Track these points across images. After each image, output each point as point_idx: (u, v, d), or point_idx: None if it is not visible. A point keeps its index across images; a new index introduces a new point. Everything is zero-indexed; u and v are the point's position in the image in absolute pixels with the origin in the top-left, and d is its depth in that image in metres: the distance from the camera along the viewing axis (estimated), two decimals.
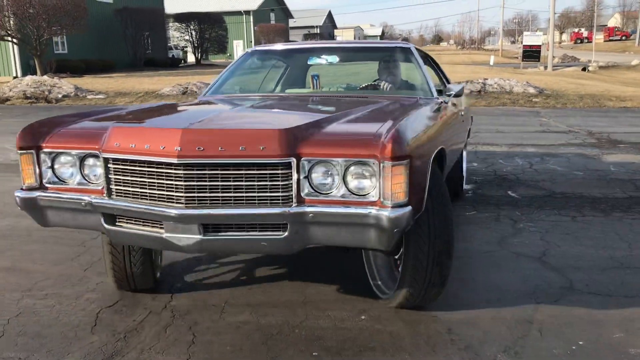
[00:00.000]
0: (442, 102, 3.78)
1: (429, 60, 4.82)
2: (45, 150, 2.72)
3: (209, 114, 3.12)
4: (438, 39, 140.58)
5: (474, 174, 6.43)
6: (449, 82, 4.96)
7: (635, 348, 2.65)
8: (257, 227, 2.50)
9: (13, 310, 3.07)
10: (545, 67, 29.13)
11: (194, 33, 41.66)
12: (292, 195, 2.43)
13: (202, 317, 3.00)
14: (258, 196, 2.45)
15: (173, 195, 2.46)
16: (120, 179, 2.59)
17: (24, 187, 2.76)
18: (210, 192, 2.45)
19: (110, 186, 2.61)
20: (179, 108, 3.61)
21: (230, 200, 2.46)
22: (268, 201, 2.44)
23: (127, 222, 2.65)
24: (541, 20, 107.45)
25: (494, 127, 10.30)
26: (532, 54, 29.22)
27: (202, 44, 42.27)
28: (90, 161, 2.68)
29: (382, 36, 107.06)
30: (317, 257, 3.84)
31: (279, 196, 2.43)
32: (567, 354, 2.61)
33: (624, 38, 76.40)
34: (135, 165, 2.54)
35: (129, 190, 2.58)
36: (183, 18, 41.47)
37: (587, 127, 10.18)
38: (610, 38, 77.54)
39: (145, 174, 2.52)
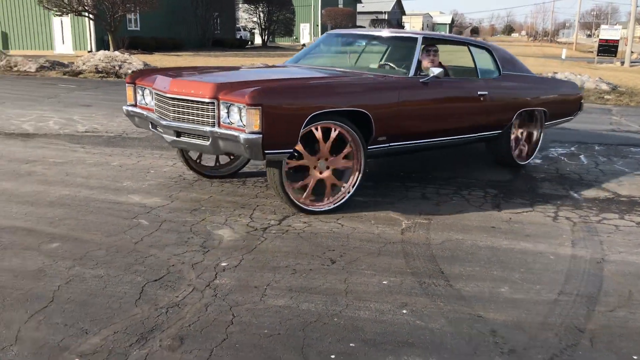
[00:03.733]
0: (407, 80, 4.92)
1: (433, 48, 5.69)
2: (137, 85, 4.87)
3: (213, 72, 5.04)
4: (509, 29, 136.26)
5: (535, 171, 6.18)
6: (478, 70, 5.89)
7: None
8: (199, 137, 4.18)
9: (64, 277, 3.17)
10: (622, 63, 27.72)
11: (262, 15, 42.00)
12: (214, 121, 4.04)
13: (243, 298, 3.01)
14: (200, 120, 4.14)
15: (167, 114, 4.36)
16: (155, 103, 4.61)
17: (127, 104, 5.00)
18: (180, 114, 4.25)
19: (153, 107, 4.66)
20: (210, 70, 5.28)
21: (188, 120, 4.21)
22: (204, 123, 4.11)
23: (153, 126, 4.70)
24: (622, 14, 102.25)
25: None
26: (608, 49, 27.86)
27: (270, 26, 42.57)
28: (149, 93, 4.75)
29: (452, 24, 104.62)
30: (362, 247, 3.79)
31: (209, 121, 4.08)
32: None
33: None
34: (159, 97, 4.49)
35: (157, 110, 4.57)
36: (252, 0, 41.84)
37: None
38: None
39: (161, 101, 4.45)
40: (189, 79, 4.30)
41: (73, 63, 17.91)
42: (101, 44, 27.28)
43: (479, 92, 5.49)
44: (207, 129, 4.06)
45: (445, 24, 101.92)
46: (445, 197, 5.07)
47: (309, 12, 53.77)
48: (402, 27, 66.72)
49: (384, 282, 3.26)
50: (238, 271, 3.35)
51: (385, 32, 5.87)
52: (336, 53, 6.34)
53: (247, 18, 43.83)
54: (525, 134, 6.30)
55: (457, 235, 4.11)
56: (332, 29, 44.43)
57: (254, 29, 45.90)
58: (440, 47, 5.78)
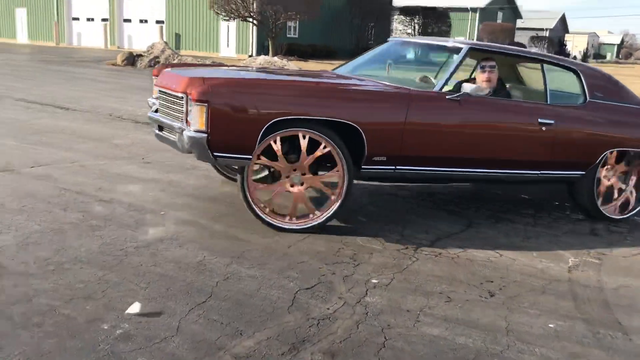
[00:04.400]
0: (424, 94, 4.22)
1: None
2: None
3: (209, 68, 5.18)
4: None
5: None
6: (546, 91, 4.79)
7: None
8: (172, 132, 3.93)
9: (221, 274, 3.26)
10: None
11: (417, 27, 41.75)
12: (184, 117, 3.73)
13: (395, 320, 2.88)
14: (174, 114, 3.90)
15: (157, 108, 4.24)
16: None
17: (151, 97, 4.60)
18: (163, 108, 4.10)
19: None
20: (214, 67, 5.48)
21: (168, 114, 4.02)
22: (177, 119, 3.85)
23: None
24: None
25: None
26: None
27: None
28: None
29: (621, 45, 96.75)
30: (524, 282, 3.49)
31: (180, 116, 3.80)
32: None
33: None
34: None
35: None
36: (408, 11, 41.77)
37: None
38: None
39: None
40: (174, 73, 4.03)
41: (235, 66, 19.00)
42: (261, 49, 28.72)
43: (540, 120, 4.45)
44: (177, 124, 3.80)
45: (613, 44, 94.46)
46: (618, 236, 4.56)
47: (465, 25, 52.53)
48: (564, 45, 62.82)
49: (550, 325, 2.95)
50: (389, 291, 3.22)
51: (438, 41, 5.18)
52: (397, 62, 5.42)
53: (401, 29, 43.82)
54: (622, 181, 4.99)
55: (635, 281, 3.65)
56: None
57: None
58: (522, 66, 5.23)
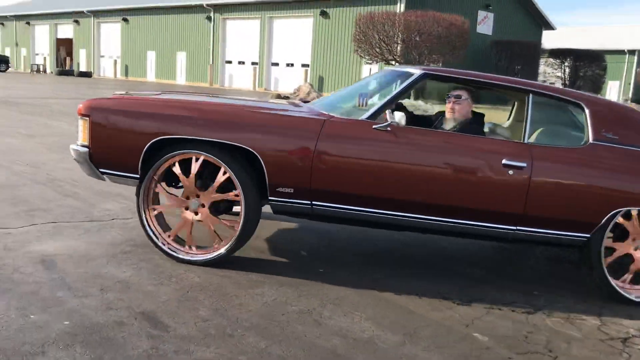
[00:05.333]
0: (343, 122, 3.68)
1: None
2: None
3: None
4: None
5: None
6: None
7: None
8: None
9: (393, 356, 2.81)
10: None
11: (567, 70, 39.42)
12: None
13: None
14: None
15: None
16: None
17: None
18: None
19: None
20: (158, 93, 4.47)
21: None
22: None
23: None
24: None
25: None
26: None
27: (575, 82, 39.66)
28: None
29: None
30: None
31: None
32: None
33: None
34: None
35: None
36: (558, 54, 39.60)
37: None
38: None
39: None
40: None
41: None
42: None
43: (505, 161, 3.59)
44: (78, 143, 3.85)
45: None
46: None
47: (621, 68, 48.82)
48: None
49: None
50: None
51: (400, 68, 4.32)
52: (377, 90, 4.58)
53: (550, 72, 41.61)
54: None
55: None
56: None
57: (553, 83, 43.37)
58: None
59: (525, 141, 3.73)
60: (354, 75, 31.28)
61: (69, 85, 25.63)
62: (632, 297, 3.77)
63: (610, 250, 3.79)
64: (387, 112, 3.64)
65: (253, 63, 34.78)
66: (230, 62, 36.61)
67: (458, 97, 4.12)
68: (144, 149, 3.59)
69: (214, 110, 3.72)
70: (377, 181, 3.60)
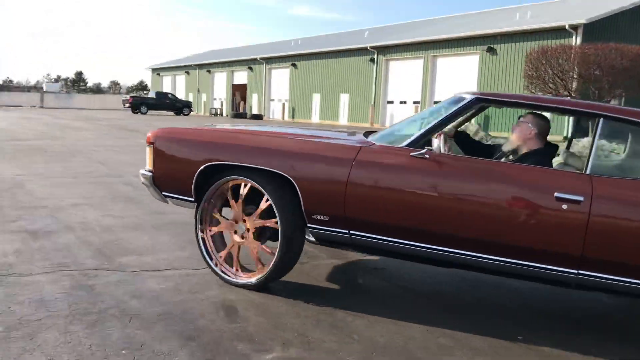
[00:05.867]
0: (378, 150, 3.55)
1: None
2: None
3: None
4: None
5: None
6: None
7: None
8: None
9: None
10: None
11: None
12: None
13: None
14: None
15: None
16: None
17: None
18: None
19: None
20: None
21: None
22: None
23: None
24: None
25: None
26: None
27: None
28: None
29: None
30: None
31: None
32: None
33: None
34: None
35: None
36: None
37: None
38: None
39: None
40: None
41: None
42: (579, 129, 26.38)
43: (557, 194, 3.11)
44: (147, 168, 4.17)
45: None
46: None
47: None
48: None
49: None
50: None
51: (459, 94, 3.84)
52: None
53: None
54: None
55: None
56: None
57: None
58: None
59: (587, 172, 3.24)
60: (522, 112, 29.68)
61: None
62: None
63: None
64: (434, 139, 3.35)
65: (415, 102, 34.63)
66: (391, 102, 36.85)
67: (523, 121, 3.80)
68: (196, 174, 3.81)
69: (255, 138, 3.81)
70: (413, 212, 3.37)
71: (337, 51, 40.11)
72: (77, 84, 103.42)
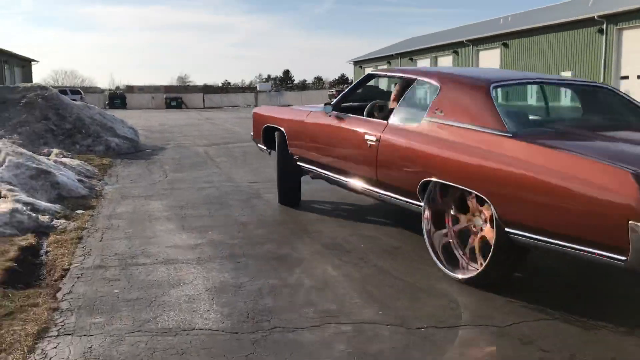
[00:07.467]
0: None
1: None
2: None
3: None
4: None
5: None
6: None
7: None
8: None
9: None
10: None
11: None
12: None
13: None
14: None
15: None
16: None
17: None
18: None
19: None
20: None
21: None
22: None
23: None
24: None
25: None
26: None
27: None
28: None
29: None
30: None
31: None
32: None
33: None
34: None
35: None
36: None
37: None
38: None
39: None
40: None
41: None
42: None
43: (367, 137, 5.27)
44: None
45: None
46: None
47: None
48: None
49: None
50: None
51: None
52: None
53: None
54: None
55: None
56: None
57: None
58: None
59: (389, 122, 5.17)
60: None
61: None
62: None
63: None
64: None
65: None
66: (626, 77, 31.95)
67: (395, 85, 5.83)
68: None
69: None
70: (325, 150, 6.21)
71: (556, 25, 35.97)
72: (284, 82, 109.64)
